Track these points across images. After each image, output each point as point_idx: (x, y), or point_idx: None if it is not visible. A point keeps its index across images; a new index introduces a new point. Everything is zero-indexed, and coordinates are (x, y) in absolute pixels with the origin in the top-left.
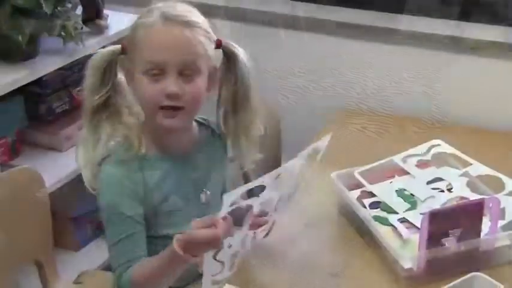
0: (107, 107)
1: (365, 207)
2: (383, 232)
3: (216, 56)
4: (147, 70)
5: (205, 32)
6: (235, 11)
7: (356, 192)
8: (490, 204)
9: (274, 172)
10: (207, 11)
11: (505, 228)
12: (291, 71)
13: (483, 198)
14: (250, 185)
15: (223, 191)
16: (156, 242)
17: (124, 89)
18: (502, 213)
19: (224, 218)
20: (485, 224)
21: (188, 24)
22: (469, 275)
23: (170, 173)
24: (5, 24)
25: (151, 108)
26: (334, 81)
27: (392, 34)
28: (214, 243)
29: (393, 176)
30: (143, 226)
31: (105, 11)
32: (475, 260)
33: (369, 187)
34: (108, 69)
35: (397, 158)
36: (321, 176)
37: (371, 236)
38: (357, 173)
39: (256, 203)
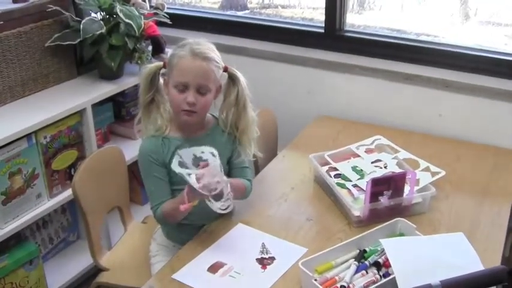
0: (153, 103)
1: (331, 177)
2: (342, 193)
3: (222, 77)
4: (177, 85)
5: (217, 63)
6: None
7: (325, 168)
8: (410, 176)
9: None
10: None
11: (419, 191)
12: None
13: (405, 172)
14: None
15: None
16: (175, 192)
17: (163, 92)
18: (417, 182)
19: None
20: (406, 188)
21: (207, 59)
22: (395, 220)
23: (181, 148)
24: (105, 56)
25: (177, 110)
26: (313, 98)
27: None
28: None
29: (350, 158)
30: (165, 180)
31: (166, 49)
32: (399, 211)
33: (334, 164)
34: (153, 77)
35: (352, 146)
36: (303, 157)
37: (334, 195)
38: (326, 155)
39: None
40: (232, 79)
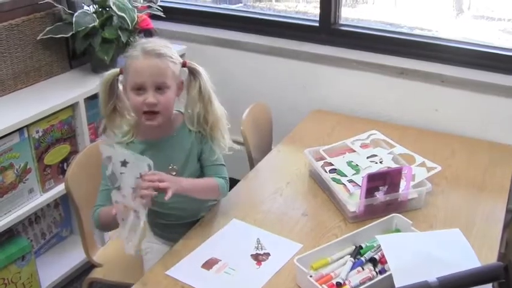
0: (115, 112)
1: (326, 172)
2: (337, 188)
3: (182, 72)
4: (134, 88)
5: (172, 58)
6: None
7: (320, 163)
8: (406, 171)
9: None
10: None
11: (415, 186)
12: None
13: (401, 167)
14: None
15: (190, 166)
16: None
17: (124, 98)
18: (413, 177)
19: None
20: (402, 184)
21: (160, 55)
22: (390, 215)
23: (145, 152)
24: (98, 49)
25: (139, 113)
26: (308, 92)
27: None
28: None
29: (345, 153)
30: None
31: None
32: (395, 206)
33: (329, 159)
34: (112, 85)
35: (348, 141)
36: (298, 152)
37: (329, 190)
38: (321, 150)
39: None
40: (193, 73)
